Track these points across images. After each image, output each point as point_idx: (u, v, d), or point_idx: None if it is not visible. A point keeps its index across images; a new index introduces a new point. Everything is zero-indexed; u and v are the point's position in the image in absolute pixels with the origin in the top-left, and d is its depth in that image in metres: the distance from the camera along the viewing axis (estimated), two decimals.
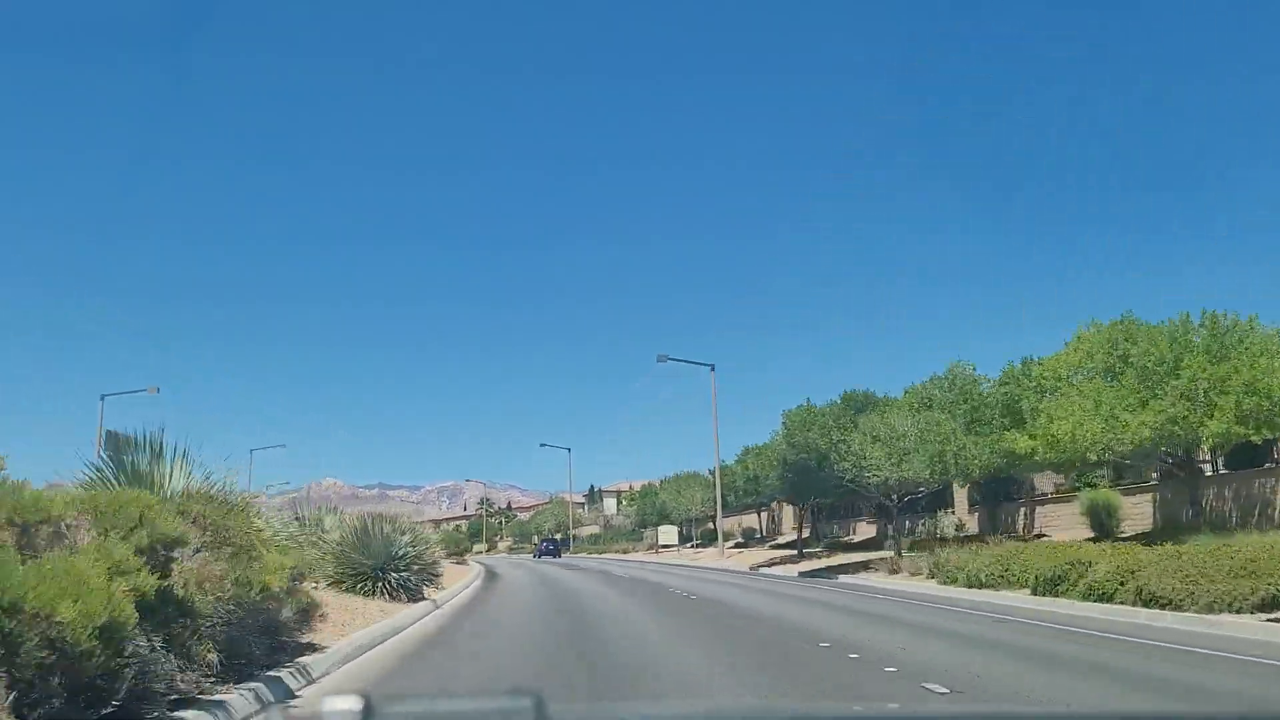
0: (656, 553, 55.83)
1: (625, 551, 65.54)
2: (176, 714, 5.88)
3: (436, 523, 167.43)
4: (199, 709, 6.14)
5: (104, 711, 5.06)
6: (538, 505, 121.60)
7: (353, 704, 1.23)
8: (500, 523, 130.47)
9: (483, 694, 1.33)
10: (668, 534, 54.82)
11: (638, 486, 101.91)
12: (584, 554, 72.73)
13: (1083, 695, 7.77)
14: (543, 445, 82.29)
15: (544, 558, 60.75)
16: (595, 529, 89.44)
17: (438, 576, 19.84)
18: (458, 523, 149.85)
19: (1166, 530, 22.68)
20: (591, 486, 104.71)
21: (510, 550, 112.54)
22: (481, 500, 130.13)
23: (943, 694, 7.59)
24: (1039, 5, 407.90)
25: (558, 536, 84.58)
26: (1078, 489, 29.47)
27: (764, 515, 57.31)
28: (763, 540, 53.32)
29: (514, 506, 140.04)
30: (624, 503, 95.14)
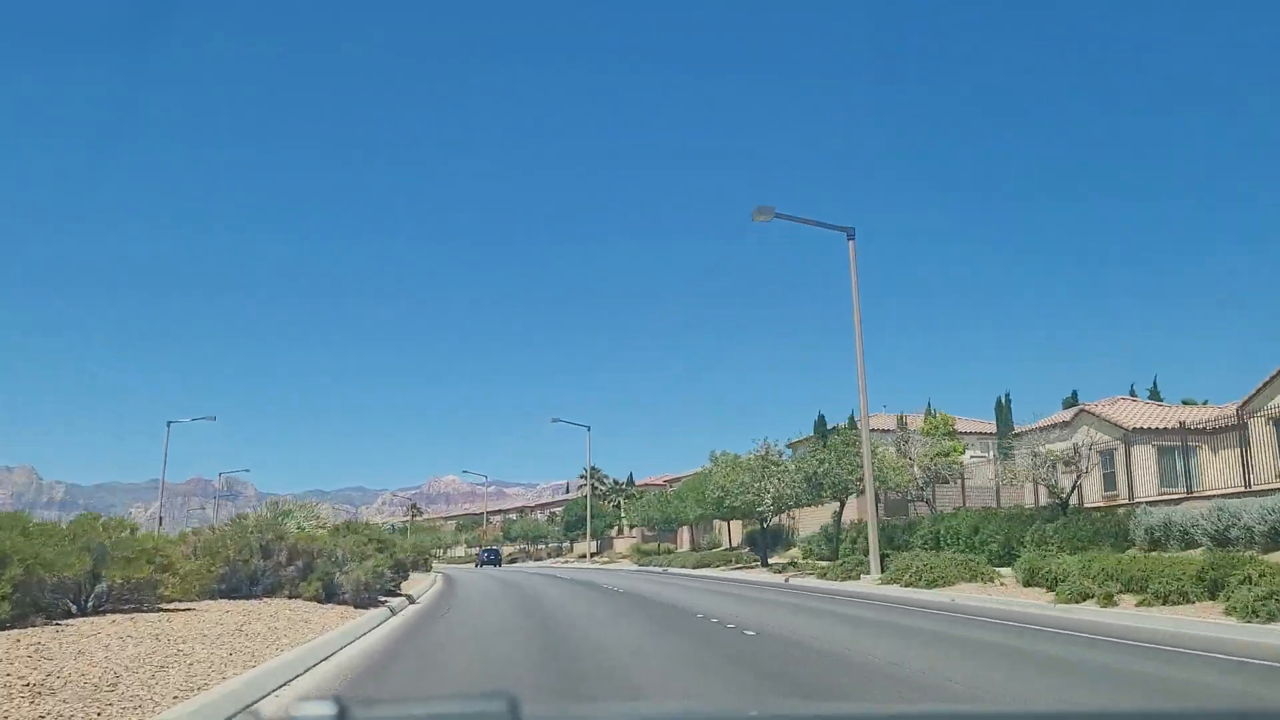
0: None
1: None
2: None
3: (523, 510, 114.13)
4: None
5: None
6: (684, 476, 65.04)
7: (326, 708, 1.16)
8: (618, 504, 74.66)
9: (457, 696, 1.26)
10: None
11: (948, 415, 44.16)
12: None
13: None
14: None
15: (485, 567, 58.61)
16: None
17: None
18: (553, 510, 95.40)
19: None
20: (820, 416, 47.19)
21: (602, 558, 57.24)
22: (586, 471, 73.23)
23: None
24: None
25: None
26: None
27: None
28: None
29: (636, 482, 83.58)
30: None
